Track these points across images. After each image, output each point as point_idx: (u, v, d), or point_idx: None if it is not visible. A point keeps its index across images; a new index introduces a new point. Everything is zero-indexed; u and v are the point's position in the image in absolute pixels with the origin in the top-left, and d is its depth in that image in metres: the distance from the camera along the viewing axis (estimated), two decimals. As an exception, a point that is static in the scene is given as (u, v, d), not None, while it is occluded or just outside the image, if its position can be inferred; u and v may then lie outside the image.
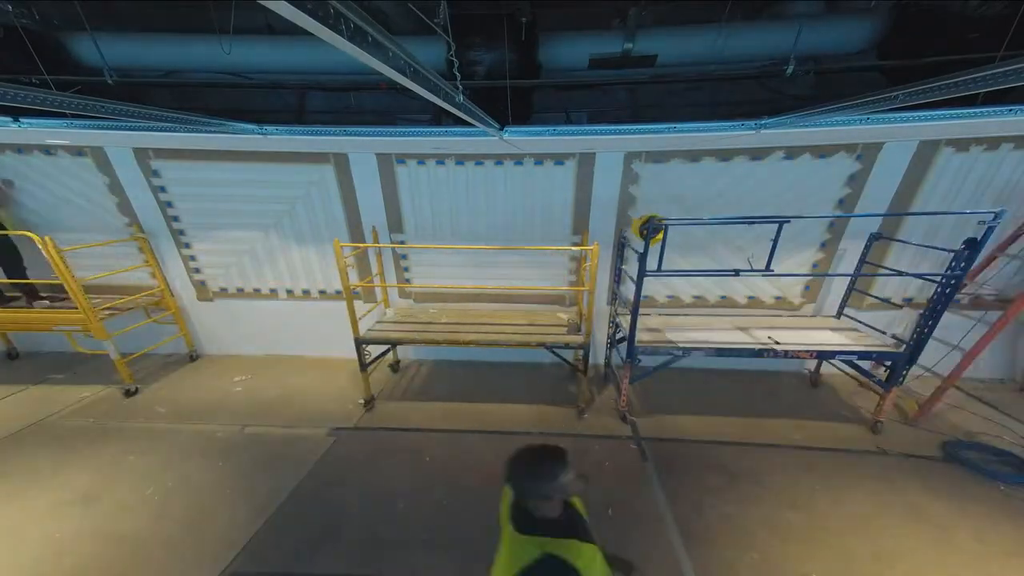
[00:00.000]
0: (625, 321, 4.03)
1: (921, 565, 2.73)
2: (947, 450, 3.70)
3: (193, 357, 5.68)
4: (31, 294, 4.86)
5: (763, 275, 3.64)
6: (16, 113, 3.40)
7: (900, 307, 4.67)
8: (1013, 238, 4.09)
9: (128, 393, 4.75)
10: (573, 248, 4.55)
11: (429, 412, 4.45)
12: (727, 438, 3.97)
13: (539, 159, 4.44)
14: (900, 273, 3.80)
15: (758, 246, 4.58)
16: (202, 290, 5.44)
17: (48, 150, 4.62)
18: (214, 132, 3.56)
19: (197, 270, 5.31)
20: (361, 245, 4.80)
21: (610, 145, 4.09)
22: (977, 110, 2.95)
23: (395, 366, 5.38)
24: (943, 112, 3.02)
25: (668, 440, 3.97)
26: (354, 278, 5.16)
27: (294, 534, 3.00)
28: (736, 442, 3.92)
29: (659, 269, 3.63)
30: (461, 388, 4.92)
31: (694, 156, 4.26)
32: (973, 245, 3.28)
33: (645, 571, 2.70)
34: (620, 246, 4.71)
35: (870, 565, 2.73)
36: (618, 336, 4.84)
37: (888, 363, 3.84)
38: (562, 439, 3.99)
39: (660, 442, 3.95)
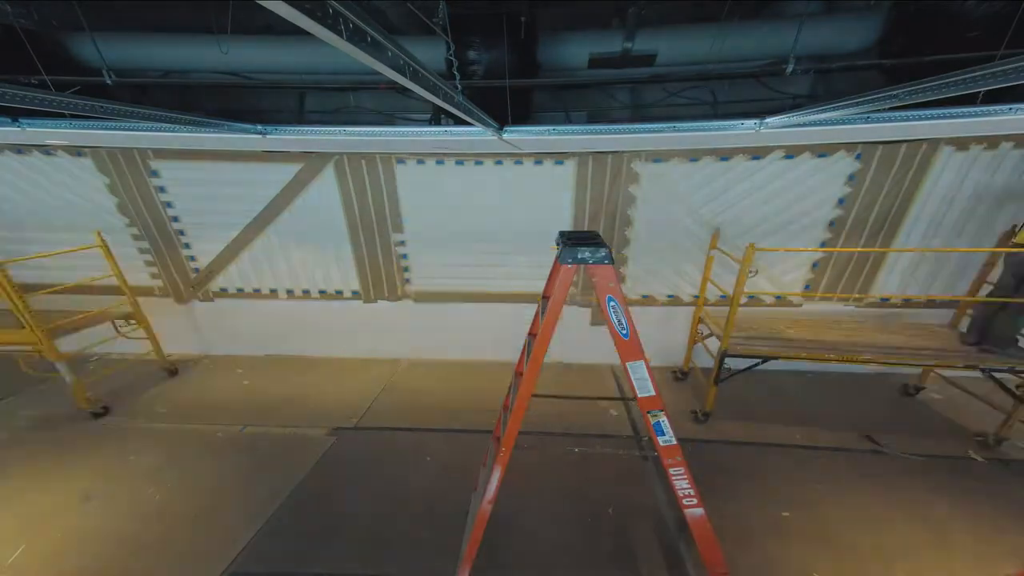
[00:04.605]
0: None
1: (921, 565, 2.73)
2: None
3: (171, 372, 5.21)
4: None
5: None
6: (15, 114, 3.39)
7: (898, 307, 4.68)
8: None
9: (96, 415, 4.29)
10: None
11: (429, 412, 4.46)
12: (727, 438, 3.98)
13: (539, 158, 4.44)
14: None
15: (761, 243, 4.59)
16: (202, 290, 5.44)
17: (47, 150, 4.62)
18: (214, 132, 3.55)
19: (197, 270, 5.31)
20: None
21: (610, 145, 4.09)
22: (977, 109, 2.94)
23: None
24: (943, 111, 3.01)
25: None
26: (354, 278, 5.19)
27: (295, 534, 3.00)
28: (735, 441, 3.92)
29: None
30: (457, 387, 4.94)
31: (694, 156, 4.27)
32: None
33: (646, 570, 2.71)
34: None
35: (872, 564, 2.73)
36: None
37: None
38: (562, 438, 4.00)
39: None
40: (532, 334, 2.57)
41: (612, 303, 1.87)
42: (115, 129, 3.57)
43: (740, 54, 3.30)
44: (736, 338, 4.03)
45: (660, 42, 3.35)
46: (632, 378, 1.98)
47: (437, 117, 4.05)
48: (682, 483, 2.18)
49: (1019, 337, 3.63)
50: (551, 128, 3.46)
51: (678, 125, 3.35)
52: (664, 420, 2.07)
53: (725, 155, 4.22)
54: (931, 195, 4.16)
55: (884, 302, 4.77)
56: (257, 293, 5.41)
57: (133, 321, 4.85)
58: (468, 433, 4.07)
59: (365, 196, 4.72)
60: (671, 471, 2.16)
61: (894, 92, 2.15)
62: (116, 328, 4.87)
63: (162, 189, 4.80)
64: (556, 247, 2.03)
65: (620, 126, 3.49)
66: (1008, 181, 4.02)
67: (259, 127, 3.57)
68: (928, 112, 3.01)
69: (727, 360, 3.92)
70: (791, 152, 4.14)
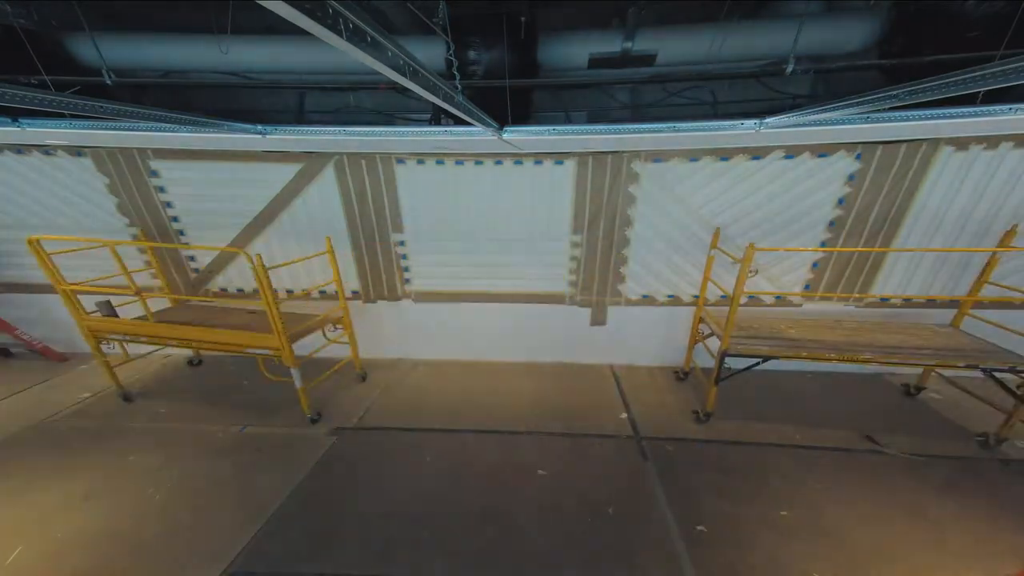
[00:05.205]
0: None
1: (921, 564, 2.73)
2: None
3: (362, 378, 5.11)
4: None
5: None
6: (15, 114, 3.40)
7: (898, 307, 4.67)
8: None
9: (313, 422, 4.22)
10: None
11: (429, 412, 4.46)
12: (728, 438, 3.98)
13: (539, 158, 4.44)
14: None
15: (761, 243, 4.59)
16: (202, 290, 5.44)
17: (47, 150, 4.62)
18: (214, 132, 3.56)
19: (196, 271, 5.31)
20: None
21: (610, 145, 4.09)
22: (977, 109, 2.94)
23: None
24: (943, 111, 3.02)
25: (668, 439, 3.97)
26: (353, 277, 5.19)
27: (295, 534, 3.00)
28: (736, 441, 3.92)
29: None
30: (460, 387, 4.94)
31: (694, 156, 4.27)
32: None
33: (647, 570, 2.72)
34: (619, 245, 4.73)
35: (871, 564, 2.73)
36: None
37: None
38: (562, 438, 4.00)
39: (660, 441, 3.95)
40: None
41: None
42: (115, 129, 3.58)
43: (740, 54, 3.30)
44: (736, 337, 4.03)
45: (660, 42, 3.35)
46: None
47: (437, 117, 4.05)
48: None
49: None
50: (551, 128, 3.47)
51: (678, 125, 3.35)
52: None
53: (725, 155, 4.22)
54: (931, 195, 4.16)
55: (884, 302, 4.77)
56: (257, 293, 5.39)
57: (340, 327, 4.84)
58: (468, 433, 4.07)
59: (365, 196, 4.72)
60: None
61: (894, 92, 2.16)
62: (324, 334, 4.68)
63: (162, 189, 4.80)
64: None
65: (620, 126, 3.49)
66: (1008, 180, 4.02)
67: (259, 127, 3.58)
68: (928, 112, 3.01)
69: (727, 359, 3.92)
70: (791, 152, 4.14)
